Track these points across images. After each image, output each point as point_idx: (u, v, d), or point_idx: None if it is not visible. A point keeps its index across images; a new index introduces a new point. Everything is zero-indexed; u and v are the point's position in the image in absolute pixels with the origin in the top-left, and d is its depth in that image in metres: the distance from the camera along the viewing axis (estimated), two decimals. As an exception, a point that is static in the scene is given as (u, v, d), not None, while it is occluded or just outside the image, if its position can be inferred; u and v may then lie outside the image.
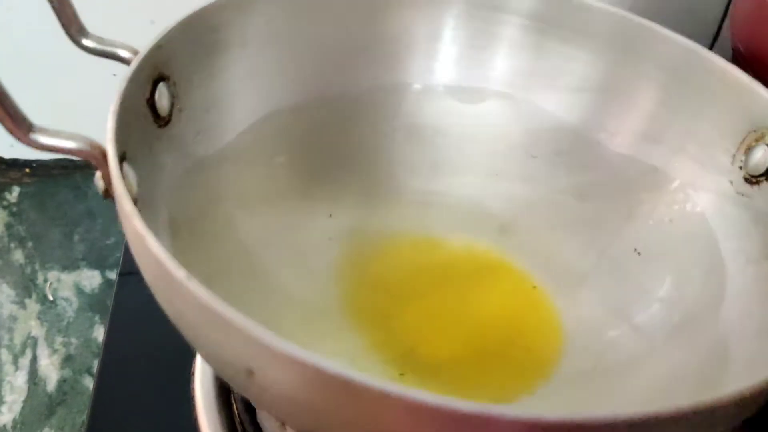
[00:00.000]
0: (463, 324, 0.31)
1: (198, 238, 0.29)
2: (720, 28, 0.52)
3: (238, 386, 0.21)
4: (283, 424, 0.31)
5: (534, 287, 0.32)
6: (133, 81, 0.26)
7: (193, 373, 0.33)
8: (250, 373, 0.19)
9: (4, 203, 0.55)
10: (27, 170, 0.57)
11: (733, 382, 0.24)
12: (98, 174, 0.24)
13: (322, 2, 0.34)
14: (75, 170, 0.56)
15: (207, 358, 0.21)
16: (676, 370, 0.27)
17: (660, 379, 0.27)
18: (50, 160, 0.57)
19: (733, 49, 0.37)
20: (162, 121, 0.29)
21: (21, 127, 0.23)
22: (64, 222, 0.54)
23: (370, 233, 0.34)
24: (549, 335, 0.31)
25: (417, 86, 0.36)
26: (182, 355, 0.34)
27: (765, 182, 0.29)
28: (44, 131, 0.23)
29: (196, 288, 0.18)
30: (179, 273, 0.19)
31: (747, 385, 0.18)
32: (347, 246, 0.33)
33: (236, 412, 0.32)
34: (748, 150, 0.30)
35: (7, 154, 0.57)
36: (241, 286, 0.30)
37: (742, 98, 0.30)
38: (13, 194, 0.56)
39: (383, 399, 0.16)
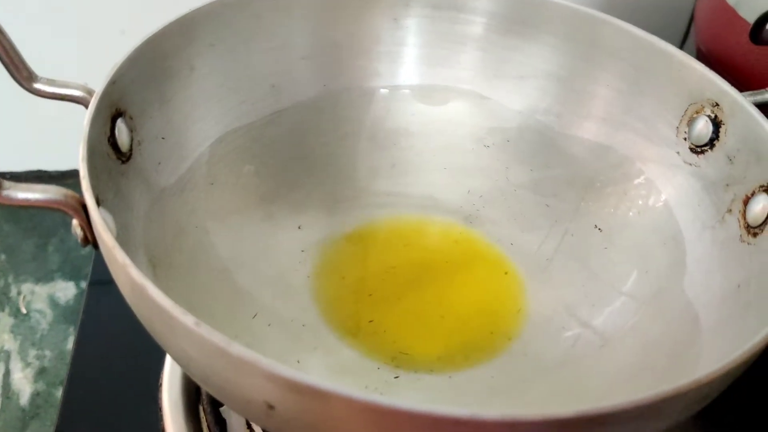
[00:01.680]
0: (446, 319, 0.31)
1: (175, 267, 0.29)
2: (689, 29, 0.54)
3: (256, 419, 0.21)
4: (251, 432, 0.32)
5: (506, 273, 0.34)
6: (95, 122, 0.26)
7: (161, 384, 0.34)
8: (269, 407, 0.19)
9: (-24, 216, 0.54)
10: (-1, 182, 0.55)
11: (708, 350, 0.26)
12: (75, 222, 0.24)
13: (270, 16, 0.34)
14: (49, 181, 0.55)
15: (220, 396, 0.21)
16: (651, 344, 0.28)
17: (636, 354, 0.28)
18: (23, 171, 0.55)
19: (696, 49, 0.39)
20: (124, 156, 0.28)
21: (-9, 186, 0.22)
22: (38, 233, 0.53)
23: (341, 240, 0.34)
24: (520, 320, 0.32)
25: (383, 90, 0.37)
26: (150, 365, 0.34)
27: (710, 151, 0.31)
28: (16, 187, 0.23)
29: (208, 332, 0.18)
30: (188, 319, 0.19)
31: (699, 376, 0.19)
32: (320, 256, 0.33)
33: (206, 423, 0.32)
34: (690, 122, 0.32)
35: (-23, 168, 0.55)
36: (223, 309, 0.30)
37: (680, 74, 0.32)
38: (-15, 207, 0.54)
39: (413, 419, 0.17)
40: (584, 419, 0.18)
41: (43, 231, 0.54)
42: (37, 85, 0.27)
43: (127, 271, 0.20)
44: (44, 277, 0.52)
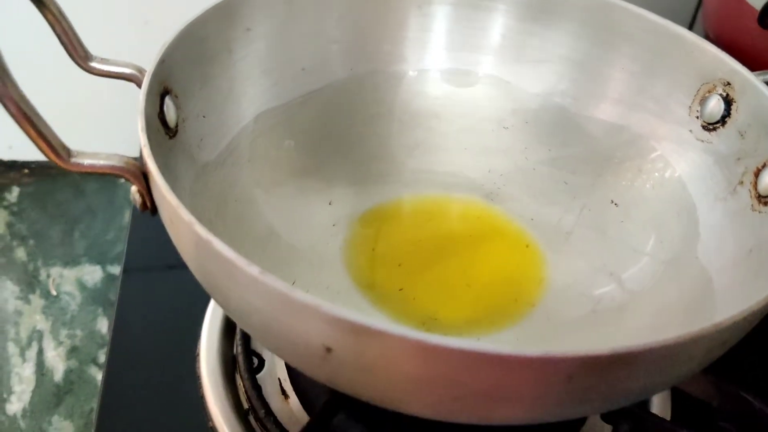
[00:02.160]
0: (471, 287, 0.33)
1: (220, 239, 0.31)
2: (695, 15, 0.56)
3: (310, 365, 0.23)
4: (286, 398, 0.34)
5: (527, 246, 0.35)
6: (148, 98, 0.27)
7: (198, 354, 0.35)
8: (327, 350, 0.21)
9: (5, 203, 0.56)
10: (26, 171, 0.57)
11: (721, 310, 0.28)
12: (134, 189, 0.26)
13: (302, 3, 0.36)
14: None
15: (276, 344, 0.23)
16: (666, 307, 0.30)
17: (652, 316, 0.30)
18: (48, 160, 0.57)
19: (704, 35, 0.40)
20: (171, 132, 0.30)
21: (62, 154, 0.24)
22: (64, 219, 0.55)
23: (369, 215, 0.36)
24: (542, 289, 0.34)
25: (409, 74, 0.38)
26: (186, 336, 0.36)
27: (721, 128, 0.33)
28: (83, 155, 0.25)
29: (272, 281, 0.20)
30: (252, 269, 0.20)
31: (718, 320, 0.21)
32: (350, 229, 0.35)
33: (243, 389, 0.34)
34: (703, 101, 0.34)
35: (6, 156, 0.57)
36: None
37: (692, 55, 0.34)
38: (13, 194, 0.56)
39: (464, 356, 0.19)
40: (617, 357, 0.19)
41: (69, 218, 0.56)
42: (93, 64, 0.29)
43: (192, 228, 0.22)
44: (72, 261, 0.53)
